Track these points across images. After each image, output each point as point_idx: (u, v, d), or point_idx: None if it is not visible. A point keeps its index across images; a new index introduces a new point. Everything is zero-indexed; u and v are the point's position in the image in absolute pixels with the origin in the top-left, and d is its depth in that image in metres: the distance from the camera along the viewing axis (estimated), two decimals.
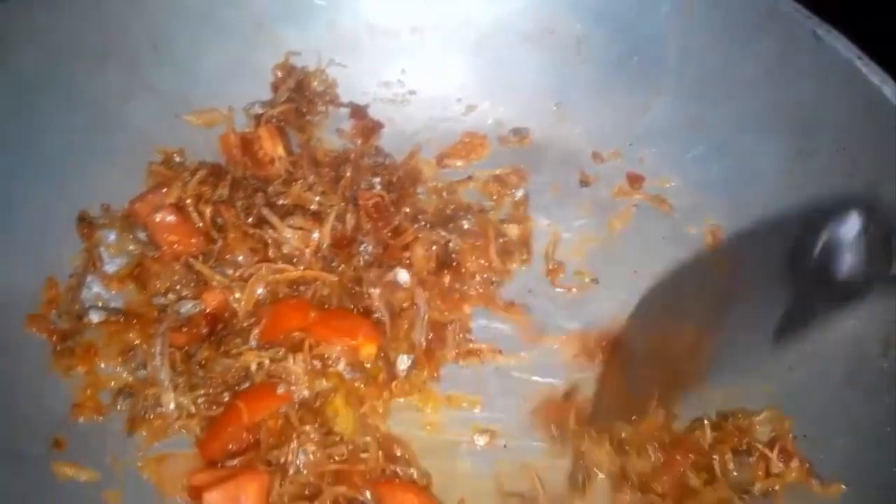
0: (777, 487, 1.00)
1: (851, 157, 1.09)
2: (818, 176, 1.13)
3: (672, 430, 1.04)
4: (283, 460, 1.04)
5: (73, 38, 1.17)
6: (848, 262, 1.01)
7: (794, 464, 0.99)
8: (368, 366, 1.11)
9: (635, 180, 1.29)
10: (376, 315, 1.13)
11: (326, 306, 1.14)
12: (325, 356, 1.09)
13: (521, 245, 1.25)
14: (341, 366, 1.09)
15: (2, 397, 1.02)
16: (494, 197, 1.29)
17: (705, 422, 1.03)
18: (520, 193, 1.29)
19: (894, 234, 0.99)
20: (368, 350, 1.10)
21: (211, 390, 1.08)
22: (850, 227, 1.01)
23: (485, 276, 1.21)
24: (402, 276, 1.16)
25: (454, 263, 1.21)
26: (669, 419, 1.05)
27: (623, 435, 1.04)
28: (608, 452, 1.02)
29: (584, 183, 1.30)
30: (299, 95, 1.32)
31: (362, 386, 1.10)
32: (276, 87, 1.32)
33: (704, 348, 1.11)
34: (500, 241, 1.23)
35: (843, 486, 0.98)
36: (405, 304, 1.16)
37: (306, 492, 1.03)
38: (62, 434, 1.03)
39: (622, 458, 1.02)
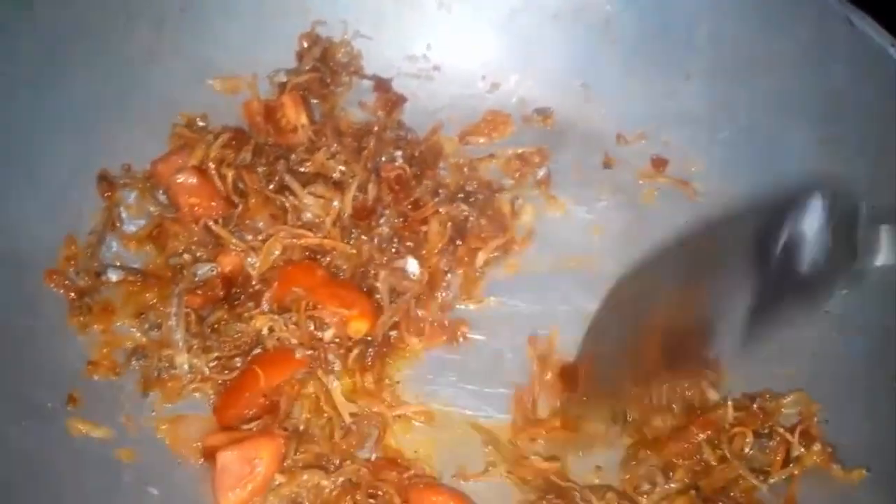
0: (795, 472, 0.99)
1: (880, 146, 1.08)
2: (845, 164, 1.12)
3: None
4: (301, 428, 1.04)
5: None
6: (808, 254, 0.92)
7: (816, 447, 0.98)
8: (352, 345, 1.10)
9: (659, 163, 1.28)
10: (378, 297, 1.13)
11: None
12: (318, 319, 1.09)
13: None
14: (329, 334, 1.09)
15: (19, 350, 1.01)
16: (517, 175, 1.28)
17: (728, 402, 1.02)
18: (542, 172, 1.28)
19: (858, 225, 0.91)
20: (358, 326, 1.09)
21: (224, 353, 1.08)
22: (813, 216, 0.92)
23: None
24: (412, 266, 1.16)
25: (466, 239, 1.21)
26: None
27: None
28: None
29: (608, 165, 1.29)
30: (324, 65, 1.31)
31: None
32: (300, 56, 1.31)
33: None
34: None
35: (865, 472, 0.97)
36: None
37: (323, 462, 1.02)
38: (77, 390, 1.02)
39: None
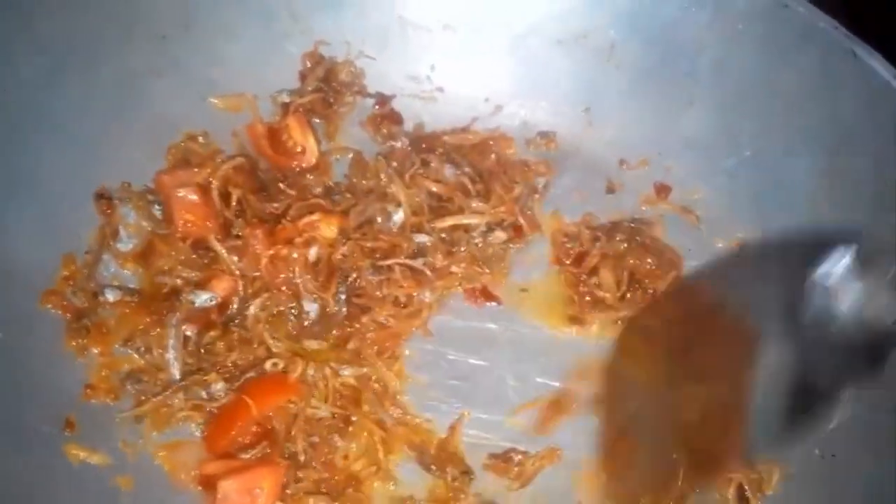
0: None
1: (884, 180, 1.09)
2: (848, 197, 1.13)
3: None
4: (301, 458, 1.02)
5: (102, 9, 1.15)
6: (835, 313, 0.84)
7: None
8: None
9: (662, 190, 1.28)
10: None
11: None
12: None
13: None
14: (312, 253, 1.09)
15: (15, 372, 0.99)
16: (517, 180, 1.27)
17: None
18: (542, 182, 1.28)
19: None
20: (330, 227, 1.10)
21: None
22: (837, 267, 0.85)
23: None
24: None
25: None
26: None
27: None
28: None
29: (610, 190, 1.29)
30: (327, 85, 1.30)
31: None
32: (303, 76, 1.30)
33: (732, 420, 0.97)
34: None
35: None
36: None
37: (322, 488, 1.01)
38: (73, 415, 1.00)
39: None
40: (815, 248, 0.90)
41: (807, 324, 0.87)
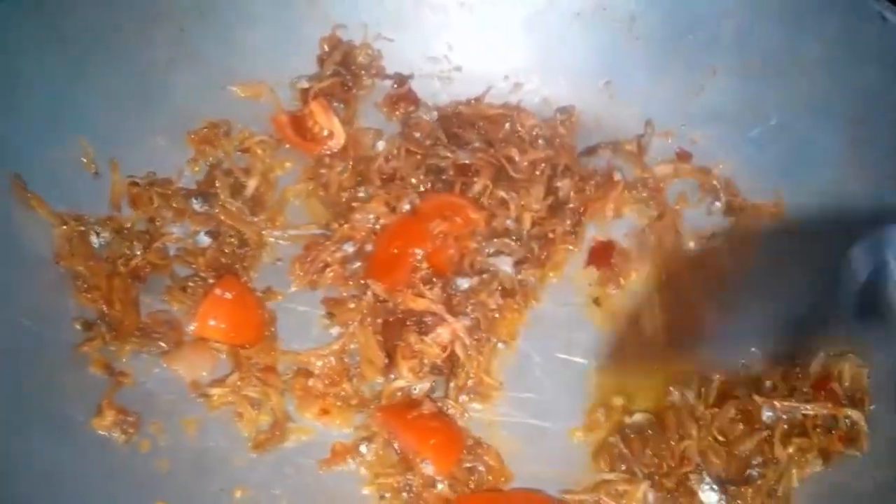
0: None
1: None
2: (875, 165, 1.11)
3: None
4: None
5: (121, 3, 1.16)
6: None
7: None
8: None
9: (684, 157, 1.26)
10: None
11: None
12: None
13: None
14: None
15: (45, 362, 1.02)
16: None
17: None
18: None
19: None
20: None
21: None
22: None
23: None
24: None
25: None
26: None
27: None
28: None
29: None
30: (345, 69, 1.30)
31: None
32: (321, 61, 1.30)
33: None
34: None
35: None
36: None
37: None
38: (107, 401, 1.02)
39: None
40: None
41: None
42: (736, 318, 1.08)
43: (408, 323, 1.10)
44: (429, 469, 1.01)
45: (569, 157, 1.24)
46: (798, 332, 0.99)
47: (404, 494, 1.02)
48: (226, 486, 1.02)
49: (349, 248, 1.17)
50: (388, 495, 1.02)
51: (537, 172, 1.22)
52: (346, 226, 1.18)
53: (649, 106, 1.28)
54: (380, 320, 1.11)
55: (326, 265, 1.17)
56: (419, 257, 1.13)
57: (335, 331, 1.13)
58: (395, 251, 1.14)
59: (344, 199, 1.22)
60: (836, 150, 1.14)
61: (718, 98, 1.24)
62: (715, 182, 1.24)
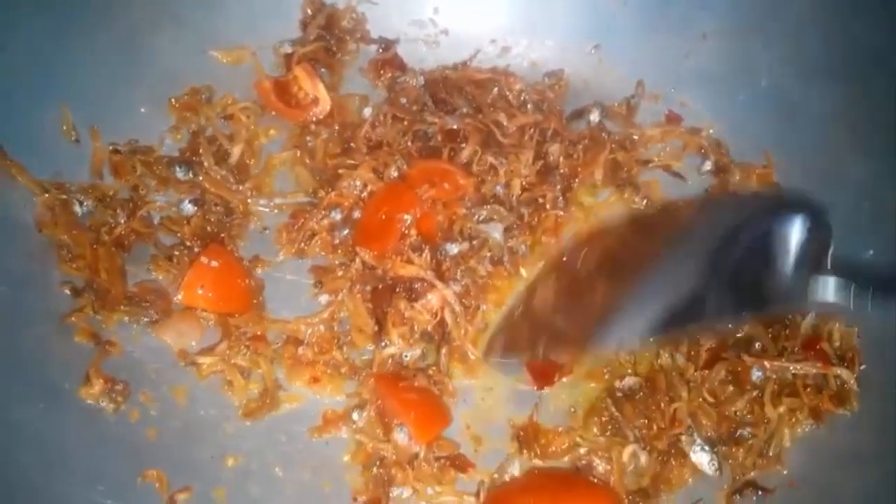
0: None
1: None
2: (868, 127, 1.10)
3: None
4: None
5: None
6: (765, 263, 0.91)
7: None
8: None
9: (674, 119, 1.25)
10: None
11: None
12: None
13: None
14: None
15: (33, 331, 1.00)
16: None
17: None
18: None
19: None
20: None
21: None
22: (791, 229, 0.90)
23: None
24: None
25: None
26: None
27: None
28: None
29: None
30: (329, 33, 1.28)
31: None
32: (304, 25, 1.28)
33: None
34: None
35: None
36: None
37: None
38: (94, 370, 1.01)
39: None
40: None
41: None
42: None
43: (397, 290, 1.09)
44: (402, 436, 1.01)
45: (557, 122, 1.23)
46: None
47: (374, 469, 1.02)
48: (217, 454, 1.01)
49: (336, 216, 1.16)
50: (359, 467, 1.02)
51: (526, 137, 1.21)
52: (332, 193, 1.16)
53: (638, 69, 1.27)
54: (369, 288, 1.10)
55: (314, 233, 1.16)
56: (407, 223, 1.12)
57: (324, 299, 1.12)
58: (383, 217, 1.13)
59: (330, 167, 1.20)
60: (827, 110, 1.13)
61: (707, 61, 1.23)
62: (704, 142, 1.23)
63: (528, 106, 1.24)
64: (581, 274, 1.06)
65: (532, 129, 1.21)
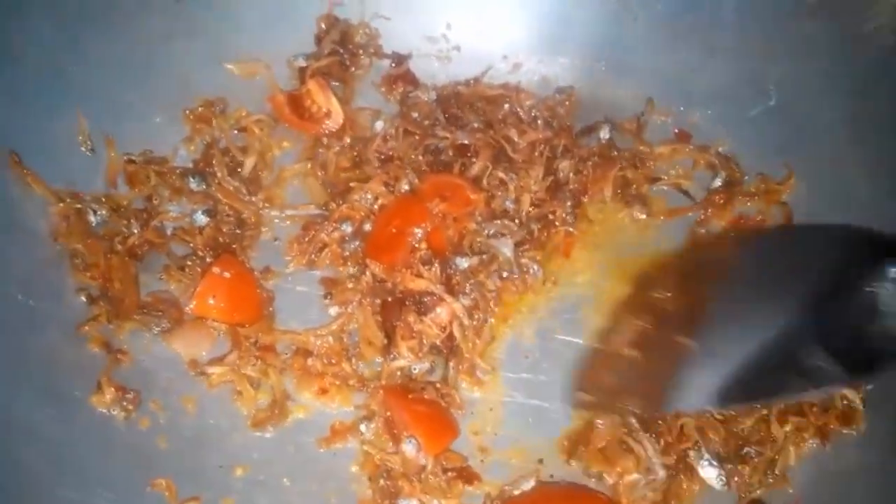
0: None
1: None
2: (877, 144, 1.11)
3: None
4: None
5: None
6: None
7: None
8: None
9: (683, 137, 1.26)
10: None
11: None
12: None
13: None
14: None
15: (45, 340, 1.01)
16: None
17: None
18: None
19: None
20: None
21: None
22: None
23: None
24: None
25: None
26: None
27: None
28: None
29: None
30: (343, 48, 1.29)
31: None
32: (319, 39, 1.29)
33: None
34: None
35: None
36: None
37: None
38: (106, 378, 1.02)
39: None
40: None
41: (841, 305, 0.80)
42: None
43: (406, 303, 1.09)
44: (410, 448, 1.01)
45: (568, 138, 1.24)
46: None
47: (381, 481, 1.02)
48: (226, 464, 1.02)
49: (347, 228, 1.17)
50: (366, 479, 1.03)
51: (536, 153, 1.22)
52: (343, 206, 1.17)
53: (648, 86, 1.27)
54: (378, 301, 1.11)
55: (324, 245, 1.16)
56: (418, 237, 1.13)
57: (334, 311, 1.13)
58: (394, 231, 1.13)
59: (342, 179, 1.21)
60: (837, 127, 1.14)
61: (718, 78, 1.24)
62: (714, 160, 1.23)
63: (539, 122, 1.25)
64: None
65: (542, 146, 1.22)
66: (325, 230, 1.16)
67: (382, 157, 1.22)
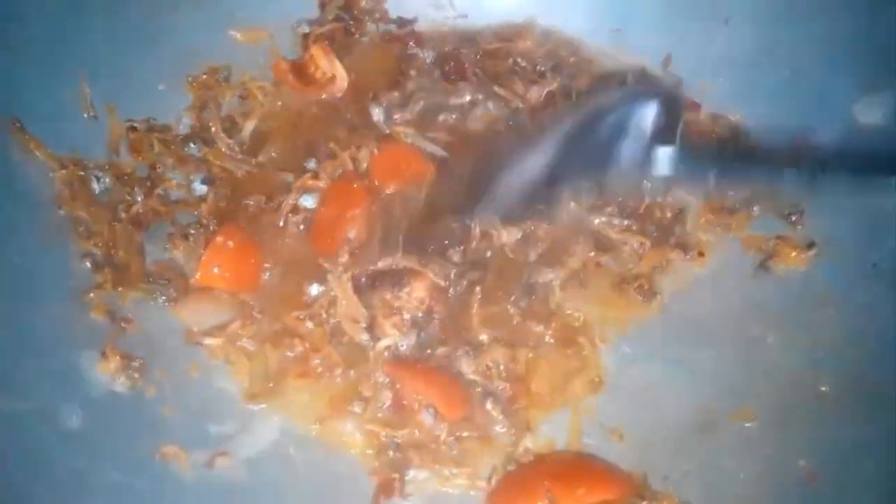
0: None
1: None
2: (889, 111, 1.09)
3: None
4: None
5: None
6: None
7: None
8: None
9: (692, 107, 1.23)
10: None
11: None
12: None
13: None
14: None
15: (52, 306, 1.01)
16: None
17: None
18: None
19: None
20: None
21: None
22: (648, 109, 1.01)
23: None
24: None
25: None
26: None
27: None
28: None
29: None
30: (347, 13, 1.27)
31: None
32: (323, 5, 1.27)
33: None
34: None
35: None
36: None
37: None
38: (111, 347, 1.01)
39: None
40: None
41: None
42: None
43: (377, 283, 1.07)
44: (429, 418, 1.00)
45: (588, 81, 1.23)
46: None
47: (389, 453, 1.01)
48: (232, 431, 1.02)
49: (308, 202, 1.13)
50: (370, 451, 1.02)
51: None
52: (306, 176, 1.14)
53: (659, 54, 1.25)
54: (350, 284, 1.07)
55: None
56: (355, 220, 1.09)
57: (315, 289, 1.09)
58: (332, 216, 1.10)
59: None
60: (851, 97, 1.11)
61: (729, 47, 1.21)
62: (724, 131, 1.21)
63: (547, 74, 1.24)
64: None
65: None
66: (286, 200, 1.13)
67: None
